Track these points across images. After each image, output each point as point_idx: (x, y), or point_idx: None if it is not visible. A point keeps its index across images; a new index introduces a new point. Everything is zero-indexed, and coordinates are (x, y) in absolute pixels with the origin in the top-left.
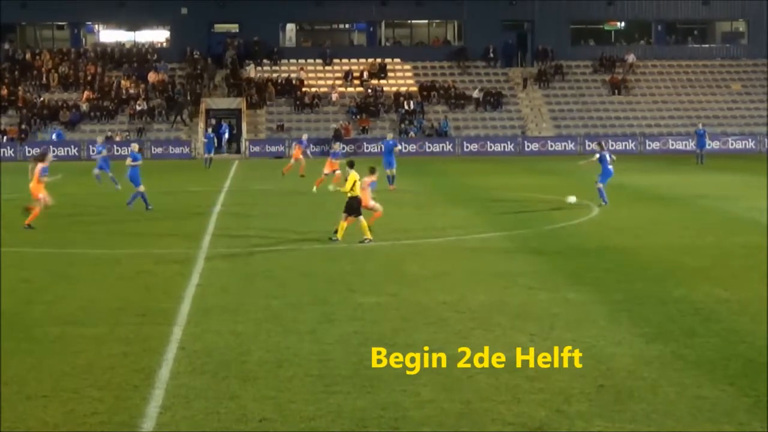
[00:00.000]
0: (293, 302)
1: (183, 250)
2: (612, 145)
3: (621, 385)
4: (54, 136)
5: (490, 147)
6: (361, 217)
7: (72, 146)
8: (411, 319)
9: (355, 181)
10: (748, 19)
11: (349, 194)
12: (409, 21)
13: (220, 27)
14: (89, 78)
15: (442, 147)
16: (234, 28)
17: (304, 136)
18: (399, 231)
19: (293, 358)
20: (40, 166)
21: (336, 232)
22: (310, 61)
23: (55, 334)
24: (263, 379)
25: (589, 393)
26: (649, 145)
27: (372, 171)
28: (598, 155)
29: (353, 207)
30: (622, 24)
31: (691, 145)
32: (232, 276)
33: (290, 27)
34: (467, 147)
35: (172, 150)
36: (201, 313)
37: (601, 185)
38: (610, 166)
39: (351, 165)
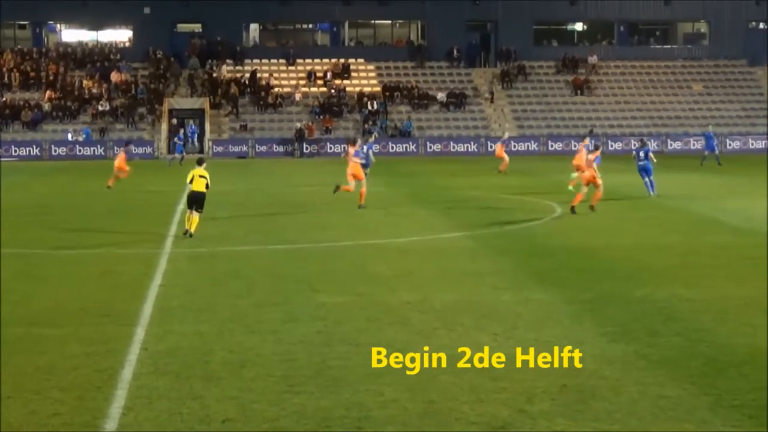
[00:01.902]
0: (257, 302)
1: (147, 250)
2: (574, 146)
3: (584, 385)
4: (83, 137)
5: (454, 147)
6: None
7: (34, 146)
8: (375, 319)
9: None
10: (710, 20)
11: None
12: (373, 21)
13: (183, 27)
14: (51, 78)
15: (406, 147)
16: (197, 27)
17: None
18: (364, 231)
19: (256, 359)
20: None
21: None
22: (274, 61)
23: (17, 335)
24: (226, 380)
25: (551, 392)
26: (612, 146)
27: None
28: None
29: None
30: (584, 25)
31: (653, 145)
32: (196, 276)
33: (254, 27)
34: (431, 147)
35: (134, 150)
36: (164, 313)
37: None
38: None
39: (200, 162)
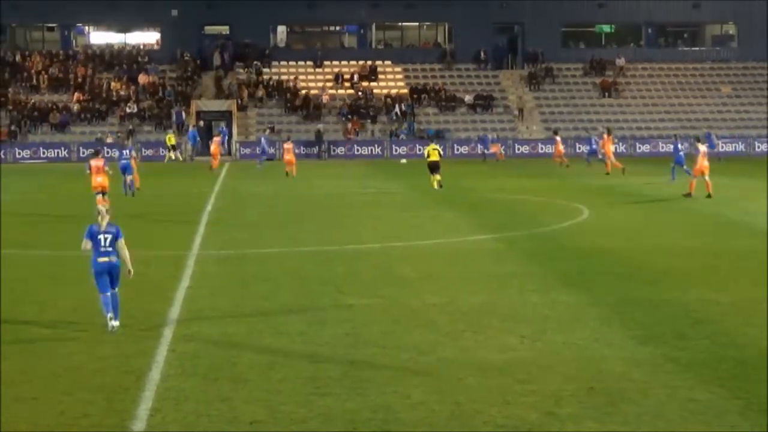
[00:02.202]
0: (284, 304)
1: (174, 252)
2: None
3: (612, 388)
4: (191, 139)
5: (480, 149)
6: None
7: (62, 148)
8: (401, 322)
9: None
10: (738, 22)
11: None
12: (400, 23)
13: (210, 29)
14: (79, 80)
15: None
16: (225, 30)
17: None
18: (390, 234)
19: (284, 360)
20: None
21: None
22: (301, 63)
23: (46, 336)
24: (254, 381)
25: (579, 395)
26: (639, 148)
27: None
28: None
29: None
30: (612, 27)
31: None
32: (224, 278)
33: (281, 29)
34: (458, 149)
35: (162, 152)
36: (192, 315)
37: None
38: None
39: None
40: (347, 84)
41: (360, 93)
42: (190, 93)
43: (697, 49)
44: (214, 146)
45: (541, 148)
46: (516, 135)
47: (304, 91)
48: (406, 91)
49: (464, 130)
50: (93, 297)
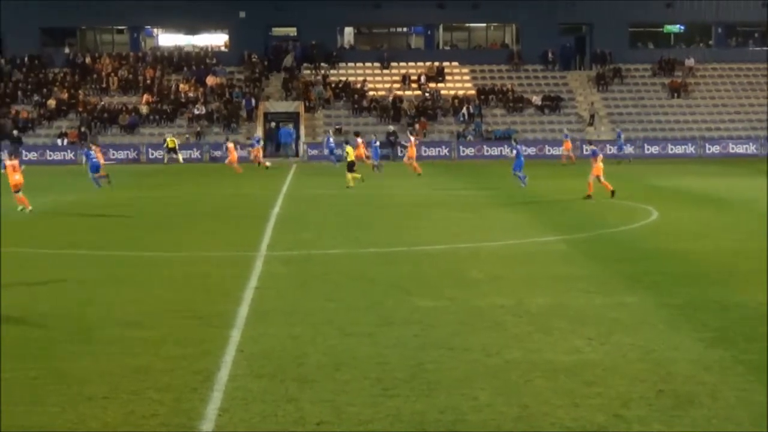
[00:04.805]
0: (351, 305)
1: (241, 252)
2: (671, 149)
3: (680, 390)
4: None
5: (549, 150)
6: None
7: (131, 149)
8: (468, 323)
9: None
10: None
11: None
12: (467, 24)
13: (278, 30)
14: (148, 81)
15: (501, 150)
16: (292, 31)
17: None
18: (457, 234)
19: (351, 361)
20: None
21: None
22: (368, 64)
23: (114, 336)
24: (321, 382)
25: (648, 397)
26: (709, 149)
27: None
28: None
29: None
30: (682, 27)
31: (751, 148)
32: (291, 279)
33: (348, 30)
34: (525, 150)
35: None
36: (259, 315)
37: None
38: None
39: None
40: (414, 85)
41: (427, 94)
42: (257, 94)
43: None
44: (255, 152)
45: (609, 149)
46: (584, 136)
47: (371, 93)
48: (473, 92)
49: (532, 131)
50: (161, 298)
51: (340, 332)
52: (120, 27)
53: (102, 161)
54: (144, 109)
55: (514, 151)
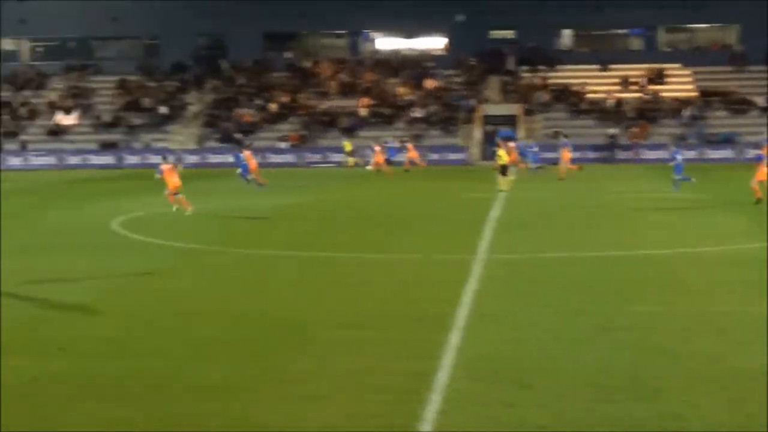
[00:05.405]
0: (569, 310)
1: (460, 255)
2: None
3: None
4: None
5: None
6: None
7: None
8: (690, 329)
9: None
10: None
11: None
12: (688, 25)
13: (495, 33)
14: (367, 85)
15: (724, 154)
16: (509, 34)
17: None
18: (678, 239)
19: (569, 367)
20: None
21: None
22: (587, 66)
23: (334, 337)
24: (539, 387)
25: None
26: None
27: None
28: None
29: None
30: None
31: None
32: (510, 283)
33: (567, 32)
34: (750, 153)
35: (449, 156)
36: (478, 319)
37: None
38: None
39: None
40: (634, 87)
41: (647, 96)
42: (475, 97)
43: None
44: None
45: None
46: None
47: (589, 95)
48: (695, 94)
49: (755, 134)
50: (381, 300)
51: (558, 337)
52: (339, 31)
53: (254, 165)
54: (363, 112)
55: (678, 157)
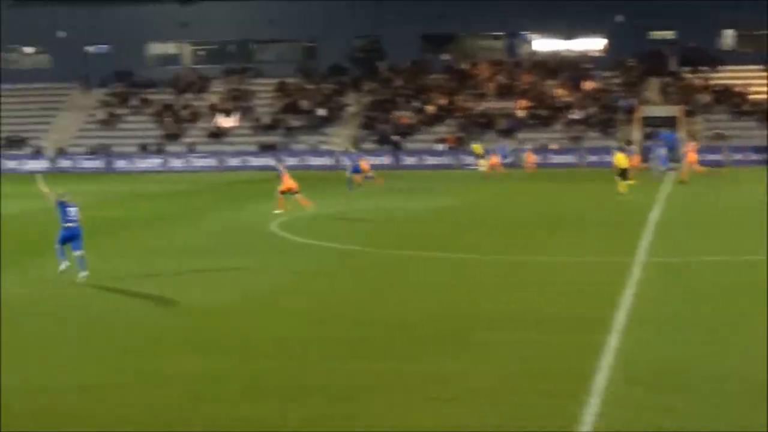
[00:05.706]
0: (729, 314)
1: (617, 258)
2: None
3: None
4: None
5: None
6: None
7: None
8: None
9: None
10: None
11: None
12: None
13: (655, 34)
14: (525, 87)
15: None
16: (669, 35)
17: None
18: None
19: (730, 373)
20: None
21: None
22: (750, 67)
23: (489, 339)
24: (700, 394)
25: None
26: None
27: None
28: None
29: None
30: None
31: None
32: (670, 286)
33: (729, 32)
34: None
35: (606, 158)
36: (636, 322)
37: None
38: None
39: None
40: None
41: None
42: (634, 98)
43: None
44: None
45: None
46: None
47: (753, 96)
48: None
49: None
50: (538, 302)
51: (719, 342)
52: (497, 33)
53: (367, 168)
54: (520, 114)
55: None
